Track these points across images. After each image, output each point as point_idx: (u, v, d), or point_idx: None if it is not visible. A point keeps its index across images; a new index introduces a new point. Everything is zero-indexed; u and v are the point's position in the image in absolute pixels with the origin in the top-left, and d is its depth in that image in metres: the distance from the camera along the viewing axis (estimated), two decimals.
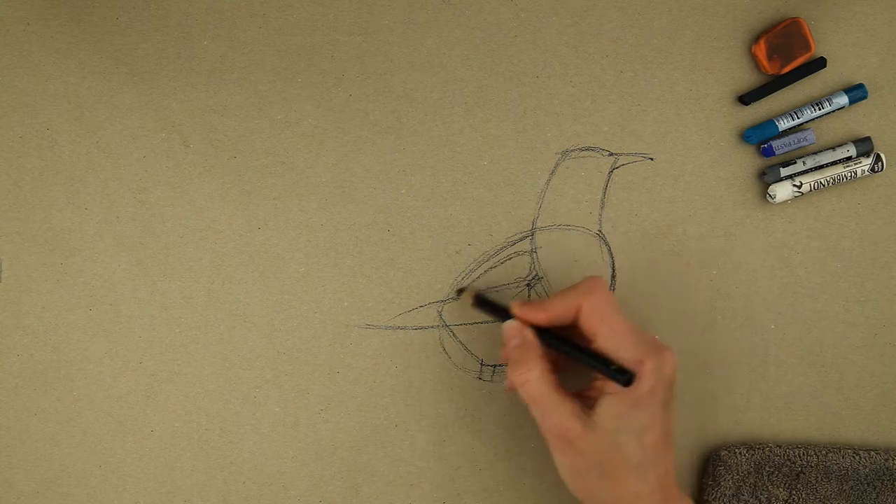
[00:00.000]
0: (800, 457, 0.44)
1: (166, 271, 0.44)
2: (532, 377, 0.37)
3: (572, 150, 0.45)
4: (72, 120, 0.43)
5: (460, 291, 0.44)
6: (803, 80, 0.45)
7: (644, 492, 0.35)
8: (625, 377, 0.35)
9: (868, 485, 0.44)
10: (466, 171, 0.45)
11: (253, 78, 0.43)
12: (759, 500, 0.44)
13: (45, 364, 0.44)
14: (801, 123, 0.45)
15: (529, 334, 0.38)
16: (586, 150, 0.45)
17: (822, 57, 0.45)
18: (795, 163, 0.45)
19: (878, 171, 0.45)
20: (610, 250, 0.45)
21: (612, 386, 0.36)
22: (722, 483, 0.44)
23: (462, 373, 0.45)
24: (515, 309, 0.39)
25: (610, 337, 0.36)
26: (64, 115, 0.43)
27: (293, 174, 0.44)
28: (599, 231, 0.45)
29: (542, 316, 0.38)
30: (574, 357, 0.38)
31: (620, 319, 0.37)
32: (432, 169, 0.45)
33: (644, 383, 0.35)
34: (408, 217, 0.44)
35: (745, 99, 0.45)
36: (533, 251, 0.45)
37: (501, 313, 0.40)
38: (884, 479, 0.44)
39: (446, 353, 0.45)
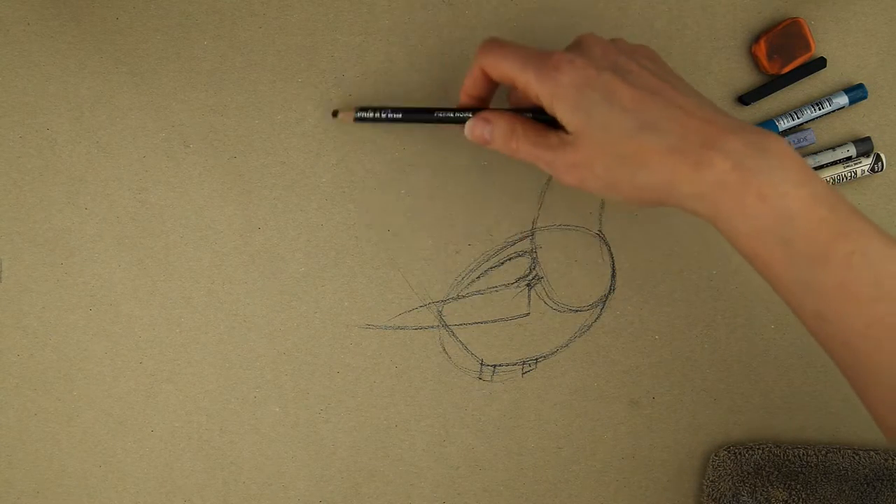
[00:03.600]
0: (800, 457, 0.44)
1: (166, 271, 0.44)
2: (500, 126, 0.37)
3: None
4: (72, 120, 0.43)
5: (335, 113, 0.43)
6: (803, 80, 0.45)
7: (671, 143, 0.32)
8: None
9: (868, 485, 0.44)
10: (466, 171, 0.45)
11: (253, 78, 0.43)
12: (759, 500, 0.44)
13: (45, 364, 0.44)
14: (801, 123, 0.45)
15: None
16: None
17: (822, 57, 0.45)
18: None
19: (878, 171, 0.45)
20: (610, 250, 0.45)
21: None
22: (722, 483, 0.44)
23: (462, 373, 0.45)
24: (463, 98, 0.39)
25: (515, 80, 0.35)
26: (64, 115, 0.43)
27: (293, 174, 0.44)
28: (599, 231, 0.45)
29: (464, 97, 0.39)
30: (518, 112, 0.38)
31: (508, 65, 0.35)
32: (432, 169, 0.44)
33: (551, 85, 0.34)
34: (408, 217, 0.44)
35: (745, 99, 0.45)
36: (533, 251, 0.45)
37: (413, 113, 0.40)
38: (884, 479, 0.44)
39: (446, 353, 0.45)
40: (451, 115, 0.39)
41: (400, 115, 0.41)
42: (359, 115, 0.41)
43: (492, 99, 0.40)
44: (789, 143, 0.32)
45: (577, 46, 0.36)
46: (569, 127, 0.34)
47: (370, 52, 0.44)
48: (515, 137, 0.37)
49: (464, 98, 0.39)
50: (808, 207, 0.30)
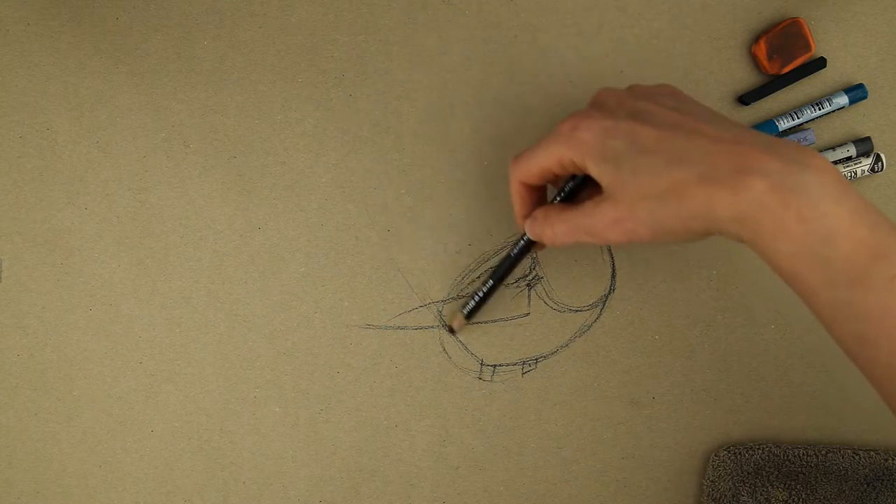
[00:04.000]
0: (800, 457, 0.44)
1: (166, 271, 0.44)
2: (534, 219, 0.38)
3: None
4: (72, 120, 0.43)
5: (451, 330, 0.44)
6: (803, 80, 0.45)
7: (703, 172, 0.31)
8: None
9: (868, 485, 0.44)
10: (466, 171, 0.45)
11: (253, 78, 0.43)
12: (759, 500, 0.44)
13: (45, 364, 0.44)
14: (801, 123, 0.45)
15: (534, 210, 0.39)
16: None
17: (822, 57, 0.45)
18: None
19: (878, 171, 0.45)
20: (610, 250, 0.45)
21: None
22: (722, 483, 0.44)
23: (462, 373, 0.45)
24: (522, 220, 0.40)
25: (550, 167, 0.36)
26: (64, 115, 0.43)
27: (293, 174, 0.44)
28: None
29: (521, 220, 0.40)
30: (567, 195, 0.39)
31: (537, 161, 0.36)
32: (432, 169, 0.45)
33: (576, 144, 0.34)
34: (408, 217, 0.44)
35: (745, 99, 0.45)
36: (534, 252, 0.45)
37: (502, 271, 0.42)
38: (884, 479, 0.44)
39: (446, 353, 0.45)
40: (521, 245, 0.41)
41: (493, 283, 0.42)
42: (467, 311, 0.43)
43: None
44: (824, 157, 0.31)
45: (593, 103, 0.37)
46: (602, 181, 0.34)
47: (370, 52, 0.44)
48: (549, 222, 0.37)
49: (521, 221, 0.39)
50: (848, 227, 0.30)
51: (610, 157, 0.33)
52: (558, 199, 0.38)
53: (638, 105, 0.35)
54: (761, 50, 0.44)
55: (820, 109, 0.45)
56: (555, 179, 0.38)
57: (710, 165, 0.31)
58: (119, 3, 0.43)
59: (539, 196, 0.39)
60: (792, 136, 0.45)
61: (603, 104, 0.36)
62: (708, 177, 0.31)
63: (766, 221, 0.30)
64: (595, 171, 0.34)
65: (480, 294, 0.43)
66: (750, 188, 0.30)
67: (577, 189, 0.38)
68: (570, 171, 0.36)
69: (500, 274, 0.42)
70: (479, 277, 0.45)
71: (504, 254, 0.43)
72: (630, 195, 0.33)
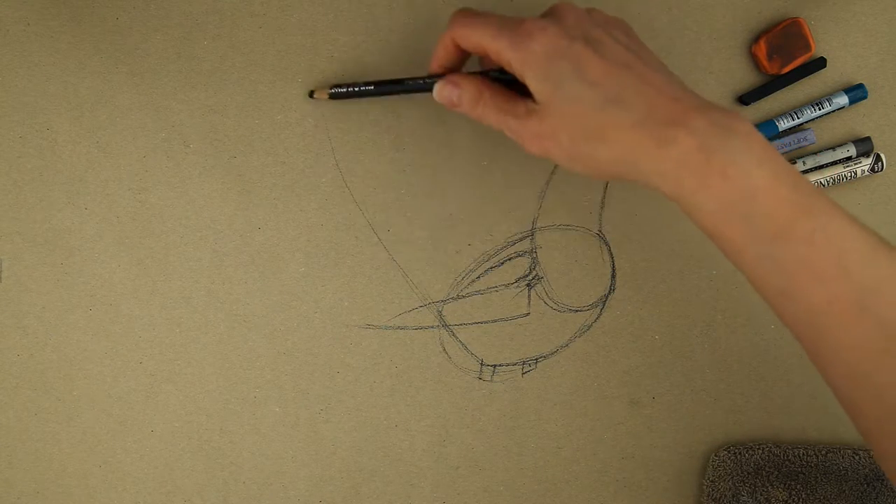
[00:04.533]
0: (800, 457, 0.44)
1: (166, 271, 0.44)
2: (468, 90, 0.37)
3: None
4: (72, 120, 0.43)
5: (311, 94, 0.43)
6: (803, 80, 0.45)
7: (636, 119, 0.32)
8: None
9: (868, 485, 0.44)
10: (466, 171, 0.45)
11: (253, 78, 0.43)
12: (759, 500, 0.44)
13: (45, 364, 0.44)
14: (801, 123, 0.45)
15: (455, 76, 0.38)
16: None
17: (822, 57, 0.45)
18: (795, 163, 0.45)
19: (878, 171, 0.45)
20: (610, 250, 0.45)
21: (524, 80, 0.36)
22: (722, 483, 0.44)
23: (462, 373, 0.45)
24: (435, 67, 0.39)
25: (487, 49, 0.35)
26: (64, 115, 0.43)
27: (293, 174, 0.44)
28: (599, 231, 0.45)
29: (435, 66, 0.39)
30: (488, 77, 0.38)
31: (480, 34, 0.35)
32: (432, 169, 0.44)
33: (523, 52, 0.33)
34: (408, 217, 0.44)
35: (745, 99, 0.45)
36: (533, 251, 0.45)
37: (390, 84, 0.41)
38: (883, 480, 0.44)
39: (446, 353, 0.45)
40: (422, 82, 0.40)
41: (372, 88, 0.41)
42: (333, 90, 0.42)
43: (462, 68, 0.40)
44: (751, 124, 0.32)
45: (551, 14, 0.36)
46: (537, 96, 0.34)
47: (370, 52, 0.44)
48: (483, 102, 0.37)
49: (434, 67, 0.39)
50: (770, 185, 0.30)
51: (552, 77, 0.33)
52: (497, 73, 0.38)
53: (594, 32, 0.34)
54: (761, 50, 0.44)
55: (820, 109, 0.45)
56: (485, 59, 0.38)
57: (645, 114, 0.32)
58: (119, 3, 0.43)
59: (463, 58, 0.39)
60: (792, 136, 0.45)
61: (561, 19, 0.35)
62: (640, 124, 0.32)
63: (688, 179, 0.31)
64: (532, 85, 0.34)
65: (356, 89, 0.42)
66: (677, 143, 0.31)
67: (503, 82, 0.37)
68: (503, 67, 0.35)
69: (384, 89, 0.41)
70: (479, 278, 0.45)
71: (400, 76, 0.41)
72: (559, 118, 0.33)
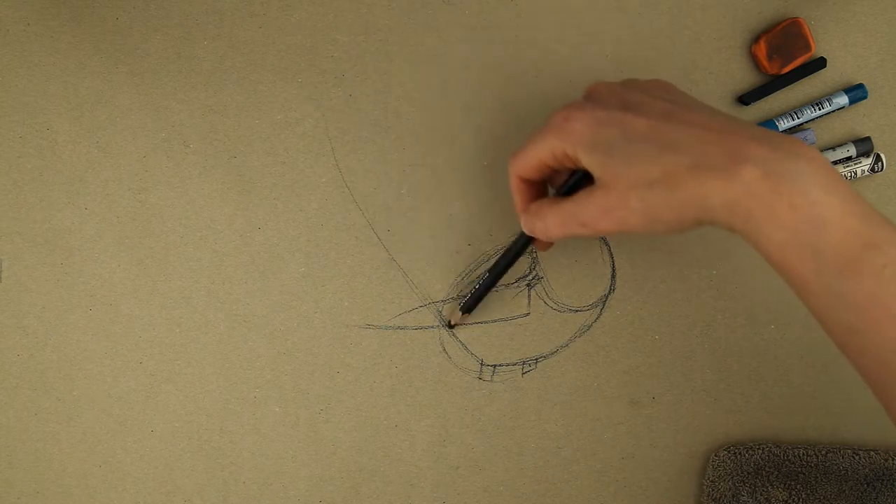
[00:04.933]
0: (800, 457, 0.44)
1: (166, 271, 0.44)
2: (527, 214, 0.38)
3: None
4: (72, 120, 0.43)
5: (450, 325, 0.45)
6: (803, 80, 0.45)
7: (696, 160, 0.31)
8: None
9: (868, 485, 0.44)
10: (466, 171, 0.45)
11: (253, 78, 0.43)
12: (759, 500, 0.44)
13: (45, 364, 0.44)
14: (801, 123, 0.45)
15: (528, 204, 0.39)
16: None
17: (822, 57, 0.45)
18: None
19: (877, 171, 0.45)
20: (610, 250, 0.45)
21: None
22: (722, 483, 0.44)
23: (462, 373, 0.45)
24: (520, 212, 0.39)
25: (545, 159, 0.36)
26: (64, 115, 0.43)
27: (293, 174, 0.44)
28: None
29: (519, 209, 0.39)
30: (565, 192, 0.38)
31: (532, 153, 0.36)
32: (432, 169, 0.45)
33: (568, 135, 0.34)
34: (408, 217, 0.44)
35: (745, 99, 0.45)
36: (533, 251, 0.45)
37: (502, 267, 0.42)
38: (884, 479, 0.44)
39: (446, 353, 0.45)
40: (517, 241, 0.41)
41: (490, 277, 0.43)
42: (463, 305, 0.43)
43: None
44: (814, 148, 0.31)
45: (586, 95, 0.37)
46: (593, 170, 0.34)
47: (370, 52, 0.44)
48: (541, 214, 0.37)
49: (520, 211, 0.40)
50: (839, 216, 0.30)
51: (601, 147, 0.33)
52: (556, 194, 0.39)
53: (630, 96, 0.35)
54: (761, 50, 0.44)
55: (820, 109, 0.45)
56: (552, 174, 0.38)
57: (701, 154, 0.31)
58: (119, 3, 0.43)
59: (538, 192, 0.39)
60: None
61: (596, 96, 0.36)
62: (700, 165, 0.31)
63: (757, 209, 0.30)
64: (586, 161, 0.34)
65: (477, 287, 0.43)
66: (742, 176, 0.30)
67: (576, 185, 0.38)
68: (564, 163, 0.36)
69: (498, 270, 0.42)
70: (479, 277, 0.45)
71: (504, 250, 0.43)
72: (622, 184, 0.33)
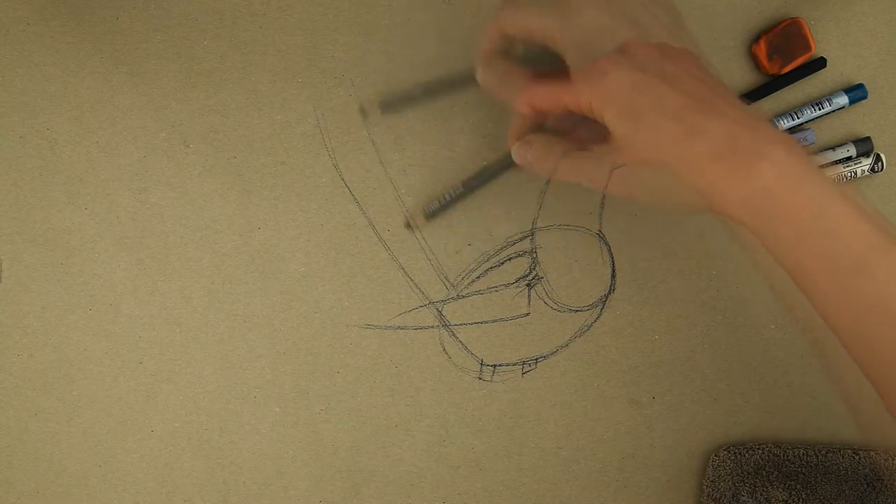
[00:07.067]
0: (800, 457, 0.44)
1: (166, 271, 0.44)
2: (537, 146, 0.38)
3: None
4: (72, 120, 0.43)
5: (409, 226, 0.44)
6: (803, 80, 0.45)
7: (719, 150, 0.32)
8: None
9: (868, 485, 0.44)
10: (466, 171, 0.45)
11: (253, 78, 0.43)
12: (759, 500, 0.44)
13: (45, 364, 0.44)
14: (801, 123, 0.45)
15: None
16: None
17: (822, 57, 0.45)
18: None
19: (878, 171, 0.45)
20: (610, 250, 0.45)
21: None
22: (722, 483, 0.44)
23: (462, 373, 0.45)
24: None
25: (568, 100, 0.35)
26: (64, 115, 0.43)
27: (293, 174, 0.44)
28: (599, 231, 0.45)
29: (512, 139, 0.40)
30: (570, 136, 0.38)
31: (558, 87, 0.35)
32: (431, 169, 0.44)
33: (602, 91, 0.33)
34: (408, 217, 0.44)
35: (745, 99, 0.45)
36: (533, 251, 0.45)
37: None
38: (884, 480, 0.44)
39: (446, 353, 0.45)
40: (504, 159, 0.41)
41: (462, 189, 0.43)
42: (429, 210, 0.43)
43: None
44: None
45: (624, 51, 0.36)
46: (617, 131, 0.34)
47: (370, 52, 0.44)
48: (553, 154, 0.37)
49: (512, 141, 0.40)
50: (852, 219, 0.31)
51: (632, 113, 0.33)
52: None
53: (669, 67, 0.34)
54: (761, 50, 0.44)
55: (820, 109, 0.45)
56: (560, 117, 0.38)
57: (727, 145, 0.32)
58: (119, 3, 0.43)
59: (535, 124, 0.39)
60: (792, 136, 0.45)
61: (634, 55, 0.34)
62: (722, 157, 0.31)
63: (772, 207, 0.31)
64: (611, 122, 0.33)
65: (447, 198, 0.43)
66: (762, 174, 0.31)
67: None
68: (584, 113, 0.35)
69: (471, 186, 0.42)
70: (479, 278, 0.45)
71: (483, 167, 0.43)
72: (641, 154, 0.33)
